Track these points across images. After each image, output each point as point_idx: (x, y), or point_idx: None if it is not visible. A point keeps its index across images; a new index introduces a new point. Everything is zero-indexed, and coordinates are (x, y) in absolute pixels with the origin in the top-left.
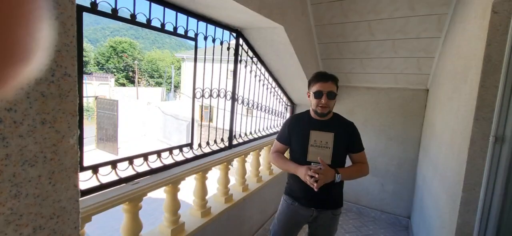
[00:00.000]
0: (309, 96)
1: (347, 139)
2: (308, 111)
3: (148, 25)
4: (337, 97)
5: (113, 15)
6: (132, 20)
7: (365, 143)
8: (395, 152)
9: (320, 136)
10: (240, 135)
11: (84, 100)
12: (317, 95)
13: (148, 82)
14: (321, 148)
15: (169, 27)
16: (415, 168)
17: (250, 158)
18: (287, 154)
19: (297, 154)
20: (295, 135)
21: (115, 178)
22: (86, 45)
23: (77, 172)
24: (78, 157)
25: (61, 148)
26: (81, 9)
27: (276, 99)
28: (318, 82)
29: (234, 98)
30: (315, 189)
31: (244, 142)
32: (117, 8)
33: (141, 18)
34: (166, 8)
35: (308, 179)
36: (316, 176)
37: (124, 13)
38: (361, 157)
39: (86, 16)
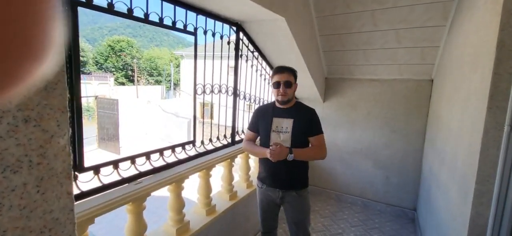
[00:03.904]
0: (272, 89)
1: (306, 124)
2: (274, 102)
3: (145, 19)
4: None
5: (109, 9)
6: (129, 14)
7: (368, 136)
8: (399, 144)
9: (281, 122)
10: (243, 131)
11: (85, 100)
12: (276, 85)
13: (148, 80)
14: (282, 133)
15: (167, 22)
16: (420, 160)
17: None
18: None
19: (263, 139)
20: (261, 122)
21: (117, 178)
22: (84, 45)
23: (70, 177)
24: (71, 160)
25: (50, 150)
26: (76, 4)
27: None
28: (276, 74)
29: (235, 94)
30: (273, 161)
31: None
32: (113, 2)
33: (138, 13)
34: (163, 2)
35: (273, 153)
36: (274, 147)
37: (121, 8)
38: (318, 140)
39: (83, 15)
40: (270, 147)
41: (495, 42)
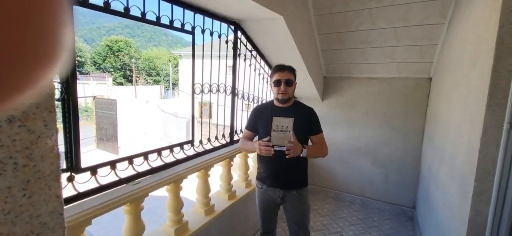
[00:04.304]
0: (271, 87)
1: (306, 123)
2: (272, 101)
3: (142, 18)
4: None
5: (105, 8)
6: (125, 13)
7: (367, 134)
8: (398, 142)
9: (282, 122)
10: (241, 130)
11: (83, 100)
12: (276, 83)
13: (146, 80)
14: (283, 132)
15: (164, 20)
16: (419, 158)
17: (252, 153)
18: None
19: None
20: (260, 122)
21: (115, 178)
22: (82, 45)
23: (59, 180)
24: (60, 162)
25: (37, 152)
26: (71, 2)
27: None
28: (276, 72)
29: (234, 93)
30: (287, 157)
31: None
32: (109, 1)
33: (135, 12)
34: (161, 0)
35: (261, 149)
36: (288, 145)
37: (117, 7)
38: (320, 139)
39: (81, 15)
40: (262, 143)
41: (495, 40)
